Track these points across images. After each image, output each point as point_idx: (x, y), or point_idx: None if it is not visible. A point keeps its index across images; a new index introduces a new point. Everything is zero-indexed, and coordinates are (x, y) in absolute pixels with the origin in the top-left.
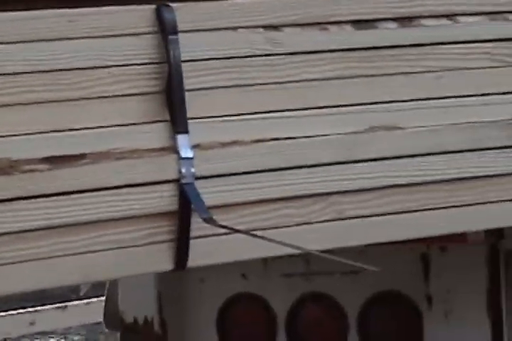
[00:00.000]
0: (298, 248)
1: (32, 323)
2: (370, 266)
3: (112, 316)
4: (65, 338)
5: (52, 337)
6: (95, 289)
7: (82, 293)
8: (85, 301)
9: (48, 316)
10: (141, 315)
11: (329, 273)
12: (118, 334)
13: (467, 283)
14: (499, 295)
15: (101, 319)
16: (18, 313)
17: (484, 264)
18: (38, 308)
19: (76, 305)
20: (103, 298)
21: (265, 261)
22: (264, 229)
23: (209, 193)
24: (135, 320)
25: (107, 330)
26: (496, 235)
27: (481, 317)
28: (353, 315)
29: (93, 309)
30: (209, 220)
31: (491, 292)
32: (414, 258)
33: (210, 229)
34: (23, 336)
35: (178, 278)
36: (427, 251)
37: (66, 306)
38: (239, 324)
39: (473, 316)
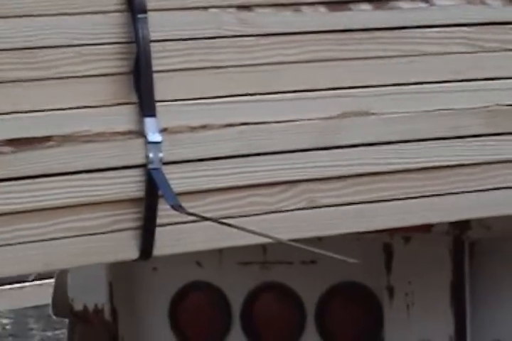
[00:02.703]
0: (269, 237)
1: None
2: (348, 257)
3: (60, 303)
4: None
5: None
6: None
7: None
8: (18, 285)
9: None
10: (91, 302)
11: (287, 262)
12: (66, 322)
13: (430, 275)
14: (463, 287)
15: (33, 303)
16: None
17: (448, 255)
18: None
19: (9, 289)
20: (37, 283)
21: (221, 248)
22: (234, 217)
23: (177, 179)
24: (85, 308)
25: (54, 317)
26: (461, 225)
27: (444, 309)
28: (311, 306)
29: (27, 293)
30: (177, 207)
31: (454, 283)
32: (377, 249)
33: (177, 216)
34: None
35: (130, 266)
36: (389, 241)
37: None
38: (192, 313)
39: (435, 308)
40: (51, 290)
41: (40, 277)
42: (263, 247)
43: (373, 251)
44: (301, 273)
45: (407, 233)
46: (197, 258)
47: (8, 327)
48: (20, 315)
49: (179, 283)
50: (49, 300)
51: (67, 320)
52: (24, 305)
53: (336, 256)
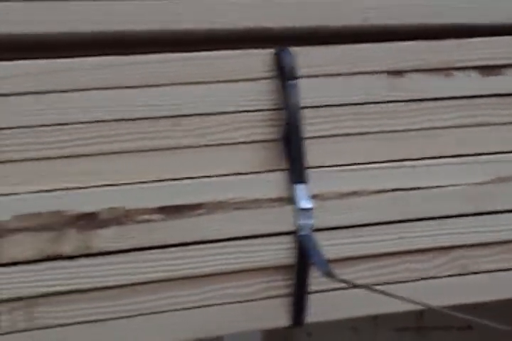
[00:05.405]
0: (420, 304)
1: None
2: (500, 324)
3: None
4: None
5: None
6: None
7: None
8: None
9: None
10: None
11: (444, 327)
12: None
13: None
14: None
15: None
16: None
17: None
18: None
19: None
20: None
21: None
22: (386, 283)
23: (328, 246)
24: None
25: None
26: None
27: None
28: None
29: None
30: (329, 274)
31: None
32: None
33: (329, 283)
34: None
35: (284, 332)
36: None
37: None
38: None
39: None
40: None
41: None
42: (419, 312)
43: None
44: (458, 339)
45: None
46: (353, 324)
47: None
48: None
49: None
50: None
51: None
52: None
53: (487, 323)
